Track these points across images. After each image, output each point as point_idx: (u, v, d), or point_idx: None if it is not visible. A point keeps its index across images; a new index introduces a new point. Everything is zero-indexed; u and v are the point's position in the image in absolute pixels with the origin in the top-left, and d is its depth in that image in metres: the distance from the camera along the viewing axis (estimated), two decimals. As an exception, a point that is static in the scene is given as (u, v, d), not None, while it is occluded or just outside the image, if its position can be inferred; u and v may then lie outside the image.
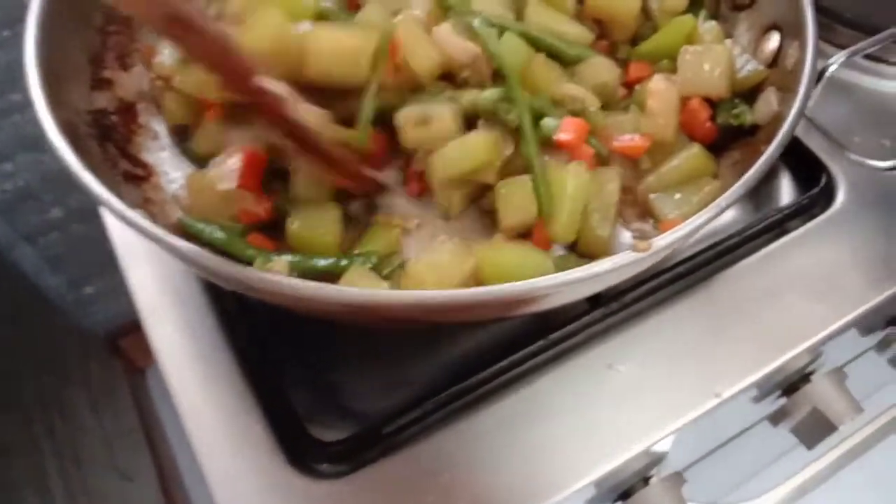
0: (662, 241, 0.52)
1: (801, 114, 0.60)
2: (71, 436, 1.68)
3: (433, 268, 0.58)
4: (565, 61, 0.72)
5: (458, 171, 0.63)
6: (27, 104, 1.56)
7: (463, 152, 0.63)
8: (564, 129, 0.64)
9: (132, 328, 2.11)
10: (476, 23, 0.66)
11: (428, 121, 0.63)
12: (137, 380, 2.19)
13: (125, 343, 2.17)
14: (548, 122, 0.65)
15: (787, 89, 0.66)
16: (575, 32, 0.73)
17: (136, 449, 1.95)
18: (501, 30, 0.68)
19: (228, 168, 0.61)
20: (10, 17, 1.40)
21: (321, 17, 0.71)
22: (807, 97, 0.61)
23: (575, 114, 0.66)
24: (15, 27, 1.42)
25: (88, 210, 1.72)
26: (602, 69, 0.72)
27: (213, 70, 0.55)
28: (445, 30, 0.67)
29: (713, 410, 0.67)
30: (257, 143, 0.63)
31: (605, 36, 0.77)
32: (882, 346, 0.95)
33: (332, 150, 0.61)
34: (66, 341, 1.99)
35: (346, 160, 0.63)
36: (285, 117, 0.57)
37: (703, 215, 0.54)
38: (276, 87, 0.56)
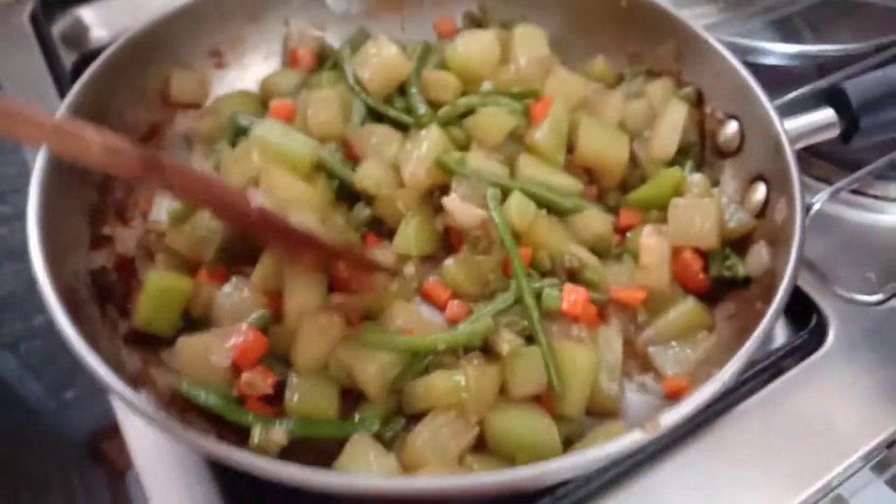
0: (668, 420, 0.53)
1: (793, 280, 0.61)
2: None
3: (434, 442, 0.57)
4: (560, 213, 0.74)
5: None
6: (14, 216, 1.56)
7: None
8: (567, 300, 0.65)
9: (114, 431, 2.06)
10: (489, 193, 0.69)
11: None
12: (118, 486, 2.13)
13: (106, 446, 2.12)
14: (549, 293, 0.66)
15: (776, 243, 0.68)
16: (566, 184, 0.75)
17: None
18: (504, 189, 0.70)
19: (226, 345, 0.61)
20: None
21: (320, 167, 0.73)
22: (798, 261, 0.62)
23: (572, 272, 0.67)
24: (4, 142, 1.44)
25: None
26: (596, 221, 0.74)
27: (206, 203, 0.56)
28: (454, 200, 0.69)
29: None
30: (254, 317, 0.64)
31: (594, 182, 0.79)
32: (880, 467, 0.94)
33: (336, 245, 0.65)
34: (45, 449, 1.94)
35: (348, 248, 0.67)
36: (286, 226, 0.58)
37: (706, 391, 0.54)
38: (269, 202, 0.58)
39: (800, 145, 0.73)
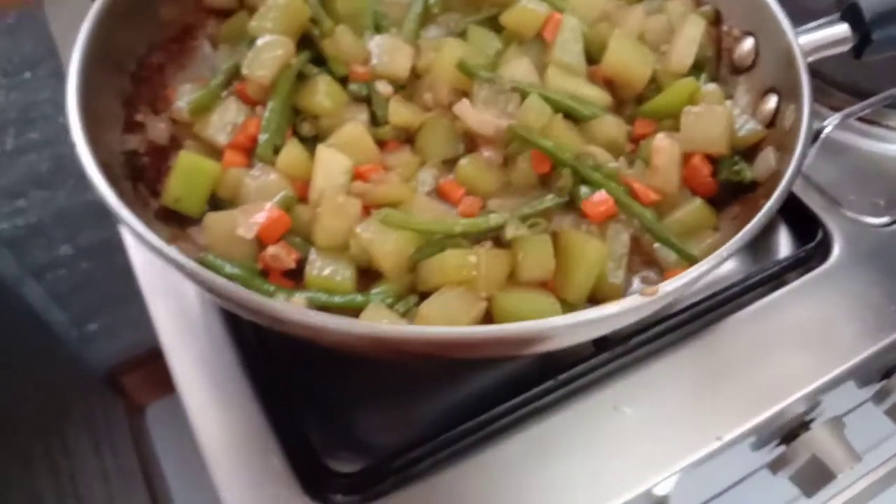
0: (668, 287, 0.55)
1: (797, 171, 0.63)
2: (71, 473, 1.68)
3: (444, 311, 0.60)
4: (578, 119, 0.76)
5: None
6: (43, 143, 1.60)
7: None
8: (593, 204, 0.68)
9: (134, 365, 2.12)
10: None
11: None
12: (137, 419, 2.20)
13: (127, 381, 2.18)
14: (584, 191, 0.69)
15: (784, 149, 0.70)
16: (594, 95, 0.77)
17: (134, 490, 1.94)
18: (523, 93, 0.73)
19: (251, 220, 0.64)
20: (29, 61, 1.46)
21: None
22: (803, 156, 0.65)
23: (609, 175, 0.69)
24: (35, 69, 1.48)
25: (96, 248, 1.76)
26: (611, 126, 0.76)
27: None
28: (465, 107, 0.71)
29: (714, 454, 0.69)
30: (279, 198, 0.67)
31: (613, 94, 0.81)
32: (879, 397, 0.97)
33: None
34: (68, 378, 2.00)
35: None
36: None
37: (705, 265, 0.57)
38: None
39: (813, 58, 0.75)
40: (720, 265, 0.58)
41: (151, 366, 2.04)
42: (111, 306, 1.92)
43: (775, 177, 0.69)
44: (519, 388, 0.71)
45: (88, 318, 2.00)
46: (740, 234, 0.59)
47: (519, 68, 0.77)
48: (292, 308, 0.54)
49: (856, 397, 0.98)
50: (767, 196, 0.64)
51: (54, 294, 1.87)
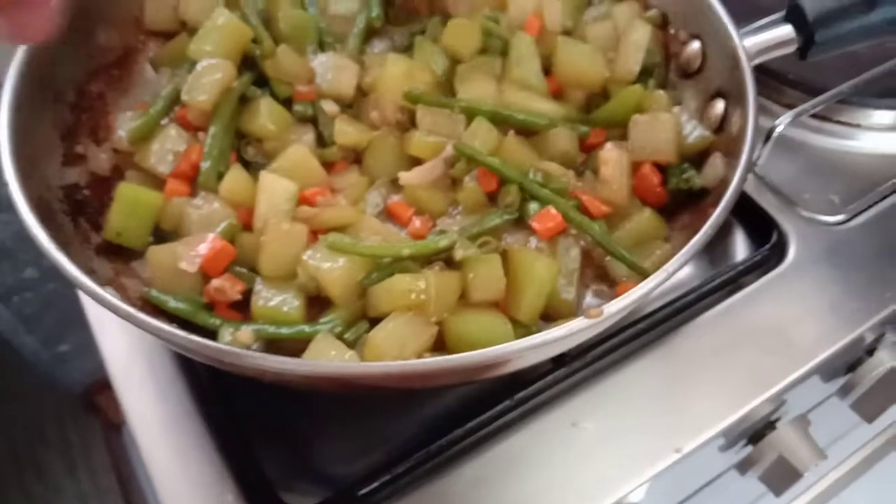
0: (613, 308, 0.55)
1: (743, 179, 0.63)
2: (45, 498, 1.66)
3: (393, 338, 0.59)
4: (531, 133, 0.76)
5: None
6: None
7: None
8: (541, 220, 0.68)
9: (108, 384, 2.10)
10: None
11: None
12: (114, 437, 2.17)
13: (101, 399, 2.16)
14: (532, 206, 0.69)
15: (732, 154, 0.69)
16: (549, 109, 0.77)
17: (112, 509, 1.92)
18: (471, 114, 0.72)
19: (193, 252, 0.63)
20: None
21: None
22: (749, 162, 0.64)
23: (557, 191, 0.69)
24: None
25: (63, 269, 1.73)
26: (563, 139, 0.75)
27: None
28: (409, 176, 0.71)
29: (675, 465, 0.68)
30: (222, 227, 0.66)
31: (560, 101, 0.80)
32: (844, 391, 0.97)
33: None
34: (41, 401, 1.97)
35: None
36: None
37: (652, 281, 0.56)
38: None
39: (758, 60, 0.75)
40: (667, 280, 0.57)
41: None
42: (81, 327, 1.89)
43: (724, 184, 0.69)
44: (478, 408, 0.70)
45: (59, 339, 1.97)
46: (686, 247, 0.58)
47: (475, 86, 0.77)
48: (232, 350, 0.53)
49: (821, 392, 0.98)
50: (716, 204, 0.64)
51: (22, 317, 1.84)
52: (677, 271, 0.58)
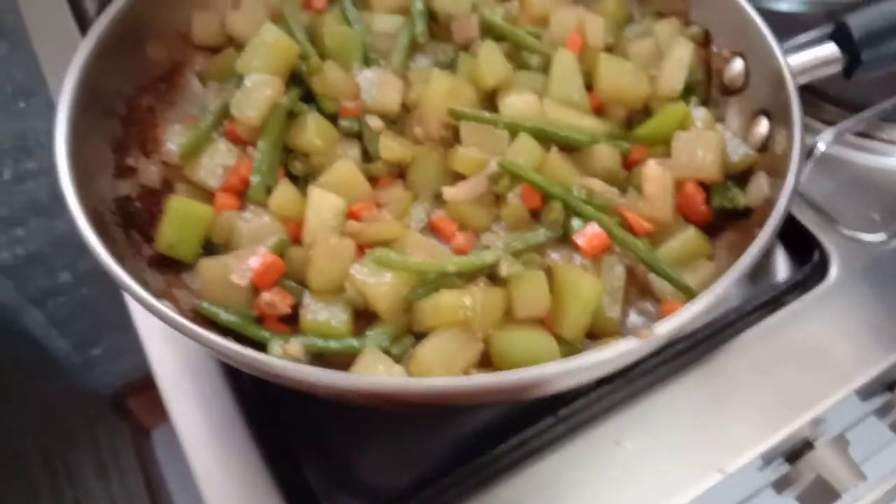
0: (663, 329, 0.55)
1: (789, 202, 0.63)
2: (76, 499, 1.68)
3: (440, 354, 0.60)
4: (574, 149, 0.76)
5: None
6: (40, 171, 1.60)
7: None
8: (586, 237, 0.68)
9: (139, 388, 2.12)
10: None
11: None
12: (143, 442, 2.19)
13: (132, 403, 2.18)
14: (576, 224, 0.69)
15: (776, 174, 0.69)
16: (590, 125, 0.77)
17: (141, 512, 1.94)
18: (514, 131, 0.73)
19: (244, 266, 0.64)
20: (24, 90, 1.46)
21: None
22: (795, 185, 0.64)
23: (601, 207, 0.69)
24: (29, 99, 1.48)
25: (96, 273, 1.75)
26: (606, 155, 0.75)
27: None
28: (453, 192, 0.72)
29: (718, 485, 0.68)
30: (272, 241, 0.67)
31: (602, 118, 0.81)
32: (883, 411, 0.96)
33: None
34: (72, 404, 2.00)
35: None
36: None
37: (701, 303, 0.56)
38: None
39: (803, 80, 0.75)
40: (717, 302, 0.57)
41: (156, 388, 2.04)
42: (113, 330, 1.93)
43: (769, 203, 0.69)
44: (521, 424, 0.71)
45: (91, 343, 2.00)
46: (734, 268, 0.58)
47: (519, 101, 0.77)
48: (284, 364, 0.54)
49: (859, 410, 0.97)
50: (761, 224, 0.64)
51: (55, 321, 1.87)
52: (726, 293, 0.58)
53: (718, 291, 0.57)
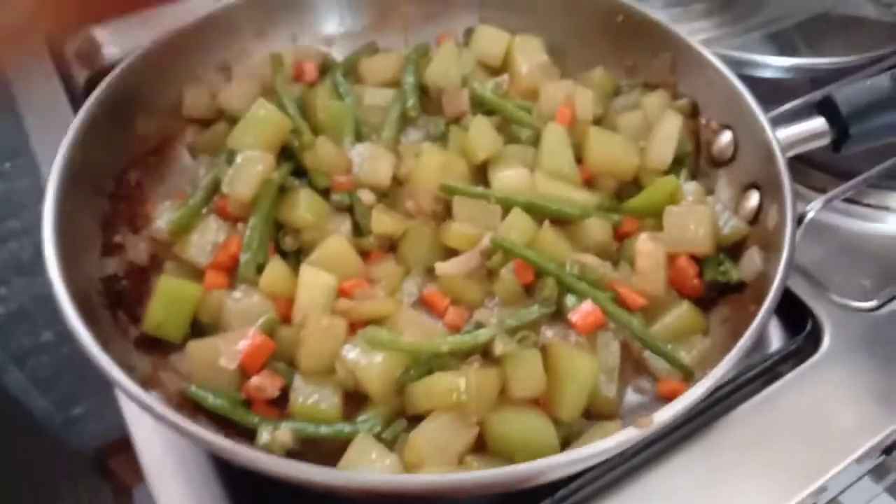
0: (662, 417, 0.54)
1: (784, 279, 0.63)
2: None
3: (435, 441, 0.59)
4: (566, 223, 0.76)
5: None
6: (24, 231, 1.58)
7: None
8: (580, 314, 0.67)
9: (121, 447, 2.07)
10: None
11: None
12: (124, 501, 2.14)
13: (113, 462, 2.13)
14: (570, 300, 0.68)
15: (769, 248, 0.69)
16: (582, 198, 0.77)
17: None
18: (507, 205, 0.72)
19: (234, 348, 0.63)
20: (10, 151, 1.46)
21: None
22: (790, 262, 0.64)
23: (595, 283, 0.69)
24: (15, 160, 1.48)
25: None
26: (597, 229, 0.76)
27: None
28: (445, 267, 0.72)
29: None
30: (261, 321, 0.66)
31: (592, 190, 0.81)
32: (878, 474, 0.95)
33: None
34: (54, 463, 1.95)
35: None
36: None
37: (700, 387, 0.56)
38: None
39: (791, 153, 0.75)
40: (715, 386, 0.57)
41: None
42: (95, 390, 1.89)
43: (762, 277, 0.68)
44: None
45: (72, 402, 1.96)
46: (734, 351, 0.58)
47: (511, 175, 0.78)
48: (275, 460, 0.53)
49: (853, 473, 0.96)
50: (757, 300, 0.64)
51: (37, 380, 1.84)
52: (725, 376, 0.57)
53: (718, 375, 0.57)
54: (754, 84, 0.80)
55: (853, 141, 0.76)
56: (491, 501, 0.70)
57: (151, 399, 0.55)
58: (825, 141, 0.77)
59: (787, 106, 0.94)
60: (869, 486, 0.99)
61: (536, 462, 0.51)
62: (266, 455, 0.54)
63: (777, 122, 0.77)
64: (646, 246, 0.72)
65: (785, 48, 1.18)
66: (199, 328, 0.70)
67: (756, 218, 0.75)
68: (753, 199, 0.76)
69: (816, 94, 0.95)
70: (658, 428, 0.55)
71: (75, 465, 2.03)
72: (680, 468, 0.72)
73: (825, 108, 0.76)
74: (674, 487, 0.71)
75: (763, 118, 0.76)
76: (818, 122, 0.77)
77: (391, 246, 0.77)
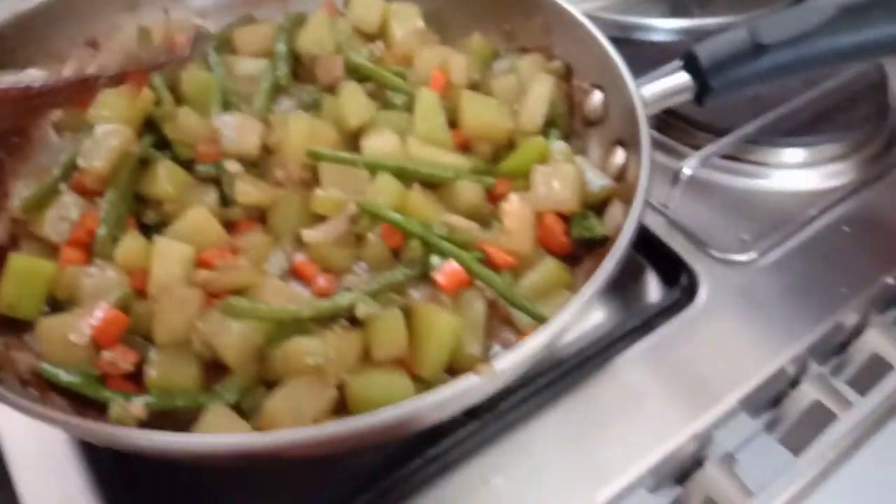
0: (503, 364, 0.54)
1: (635, 219, 0.63)
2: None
3: (288, 405, 0.58)
4: (438, 186, 0.76)
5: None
6: None
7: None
8: (444, 273, 0.67)
9: None
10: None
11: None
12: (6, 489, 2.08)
13: None
14: (434, 261, 0.68)
15: (630, 201, 0.70)
16: (456, 163, 0.77)
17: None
18: (375, 170, 0.72)
19: (84, 322, 0.61)
20: None
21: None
22: (642, 204, 0.65)
23: (461, 244, 0.69)
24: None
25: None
26: (468, 191, 0.76)
27: None
28: (313, 234, 0.71)
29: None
30: (116, 296, 0.64)
31: (468, 153, 0.81)
32: (771, 425, 0.98)
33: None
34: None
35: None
36: None
37: (543, 335, 0.56)
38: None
39: (657, 108, 0.77)
40: (567, 329, 0.57)
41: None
42: None
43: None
44: (390, 466, 0.69)
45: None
46: (581, 291, 0.59)
47: (381, 141, 0.77)
48: (118, 430, 0.51)
49: (750, 427, 0.98)
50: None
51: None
52: (570, 323, 0.57)
53: (563, 320, 0.57)
54: (643, 48, 0.81)
55: (714, 93, 0.77)
56: (366, 465, 0.71)
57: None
58: (689, 95, 0.78)
59: (665, 69, 0.95)
60: (765, 438, 1.01)
61: (376, 413, 0.51)
62: (106, 426, 0.53)
63: (645, 82, 0.78)
64: (512, 205, 0.72)
65: (678, 11, 1.20)
66: (57, 307, 0.68)
67: (622, 174, 0.76)
68: (619, 156, 0.77)
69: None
70: (504, 376, 0.55)
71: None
72: (553, 423, 0.73)
73: (687, 63, 0.78)
74: (546, 442, 0.72)
75: (628, 76, 0.77)
76: (682, 78, 0.78)
77: (261, 217, 0.76)
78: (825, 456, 1.20)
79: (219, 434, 0.56)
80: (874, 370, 0.94)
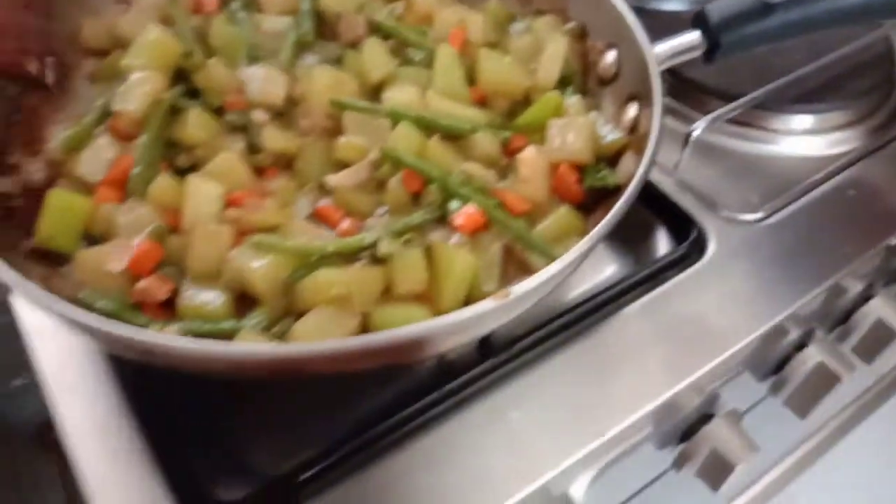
0: (520, 289, 0.57)
1: (648, 166, 0.66)
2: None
3: (316, 329, 0.61)
4: (457, 138, 0.79)
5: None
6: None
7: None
8: (463, 216, 0.70)
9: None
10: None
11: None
12: (68, 474, 2.13)
13: (57, 436, 2.11)
14: (453, 205, 0.71)
15: (643, 151, 0.73)
16: (470, 114, 0.80)
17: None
18: (396, 119, 0.75)
19: (120, 251, 0.64)
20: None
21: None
22: (654, 151, 0.68)
23: (479, 189, 0.72)
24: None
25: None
26: (485, 142, 0.78)
27: None
28: (339, 178, 0.74)
29: (601, 449, 0.71)
30: (149, 230, 0.68)
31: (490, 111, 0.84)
32: (776, 388, 1.01)
33: None
34: (-8, 439, 1.93)
35: None
36: None
37: (557, 264, 0.59)
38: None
39: (668, 65, 0.79)
40: (577, 265, 0.60)
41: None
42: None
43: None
44: (409, 400, 0.72)
45: (12, 374, 1.94)
46: (591, 233, 0.61)
47: (401, 93, 0.80)
48: (150, 336, 0.54)
49: (756, 391, 1.01)
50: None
51: (-30, 351, 1.81)
52: (585, 255, 0.60)
53: (575, 255, 0.60)
54: (659, 17, 0.84)
55: (724, 50, 0.80)
56: (385, 399, 0.74)
57: (46, 295, 0.56)
58: (698, 52, 0.81)
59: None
60: (772, 402, 1.04)
61: (393, 330, 0.54)
62: (142, 332, 0.55)
63: (657, 40, 0.81)
64: (527, 154, 0.75)
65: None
66: (92, 242, 0.71)
67: (634, 127, 0.79)
68: (632, 110, 0.80)
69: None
70: (520, 302, 0.58)
71: (15, 441, 2.01)
72: (565, 364, 0.76)
73: (698, 20, 0.80)
74: (559, 381, 0.75)
75: (641, 33, 0.80)
76: (693, 35, 0.81)
77: (287, 165, 0.79)
78: (829, 424, 1.23)
79: (251, 343, 0.59)
80: (880, 338, 0.97)
